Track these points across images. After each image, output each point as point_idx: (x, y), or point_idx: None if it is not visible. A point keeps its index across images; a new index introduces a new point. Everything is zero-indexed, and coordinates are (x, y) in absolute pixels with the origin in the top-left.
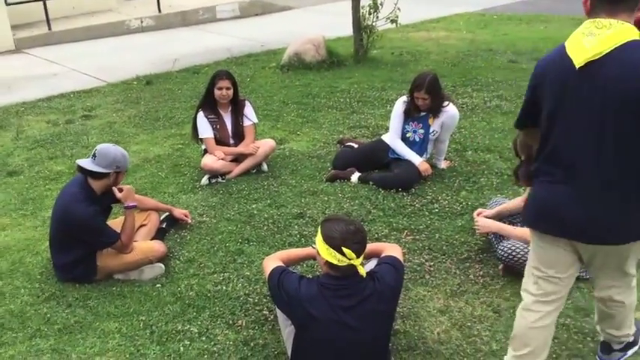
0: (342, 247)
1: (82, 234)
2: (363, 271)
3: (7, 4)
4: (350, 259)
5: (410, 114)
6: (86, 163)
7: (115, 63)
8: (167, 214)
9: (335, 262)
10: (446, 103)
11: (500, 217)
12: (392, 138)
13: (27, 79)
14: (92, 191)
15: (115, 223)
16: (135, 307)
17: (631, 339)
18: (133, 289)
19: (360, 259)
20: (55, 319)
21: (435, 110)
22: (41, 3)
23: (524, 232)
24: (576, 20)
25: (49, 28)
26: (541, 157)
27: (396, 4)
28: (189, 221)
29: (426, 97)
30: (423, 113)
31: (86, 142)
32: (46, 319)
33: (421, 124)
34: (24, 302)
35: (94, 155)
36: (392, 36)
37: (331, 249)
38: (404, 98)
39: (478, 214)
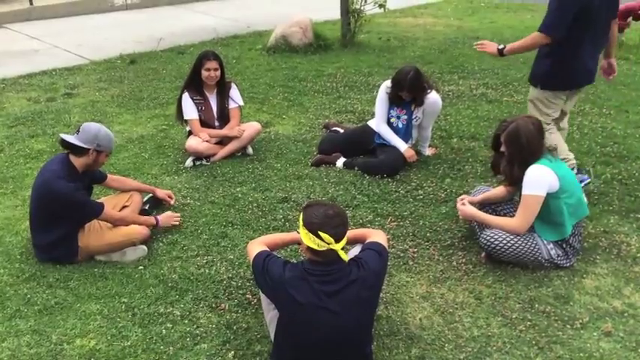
0: (319, 232)
1: (65, 210)
2: (344, 256)
3: None
4: (329, 244)
5: (394, 101)
6: (69, 136)
7: (99, 41)
8: (150, 195)
9: (315, 247)
10: (428, 90)
11: (484, 205)
12: (378, 123)
13: (7, 54)
14: (73, 168)
15: (103, 201)
16: (117, 288)
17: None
18: (114, 270)
19: (341, 244)
20: (35, 299)
21: (419, 101)
22: None
23: (504, 221)
24: None
25: (31, 3)
26: (572, 48)
27: None
28: (172, 202)
29: (409, 95)
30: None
31: (68, 120)
32: (26, 300)
33: (405, 110)
34: (3, 282)
35: (78, 130)
36: (379, 21)
37: (310, 234)
38: (387, 83)
39: (462, 200)
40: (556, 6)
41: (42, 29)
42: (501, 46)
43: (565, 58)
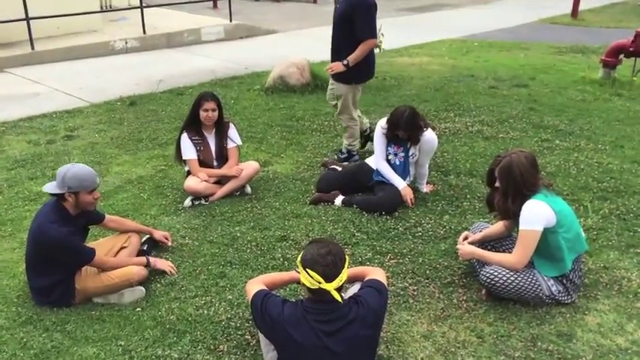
0: (308, 269)
1: (57, 255)
2: (337, 296)
3: None
4: (319, 283)
5: (391, 139)
6: (48, 185)
7: (99, 83)
8: (148, 236)
9: (308, 284)
10: (424, 129)
11: (484, 242)
12: (377, 161)
13: (8, 98)
14: (66, 211)
15: (99, 244)
16: (114, 331)
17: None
18: (112, 312)
19: (333, 284)
20: (31, 343)
21: (415, 140)
22: (24, 22)
23: (502, 257)
24: (555, 48)
25: (32, 48)
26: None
27: (379, 30)
28: (170, 244)
29: (405, 134)
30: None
31: (67, 162)
32: (22, 344)
33: (402, 147)
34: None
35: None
36: (375, 61)
37: (303, 271)
38: (382, 123)
39: (465, 239)
40: (366, 17)
41: (43, 73)
42: (345, 62)
43: (367, 56)
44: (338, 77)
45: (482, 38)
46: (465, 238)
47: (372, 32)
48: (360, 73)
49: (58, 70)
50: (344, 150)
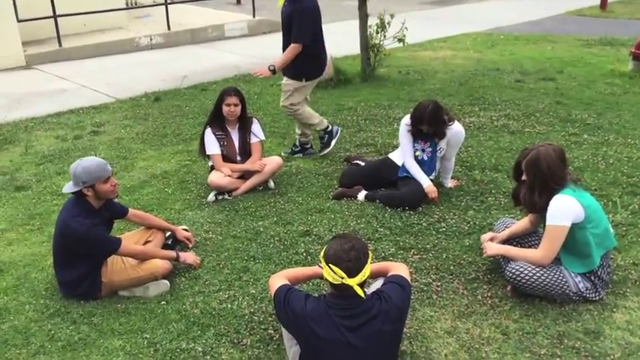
0: (331, 265)
1: (84, 248)
2: (360, 291)
3: (19, 21)
4: (342, 278)
5: (416, 134)
6: (66, 185)
7: (124, 80)
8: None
9: (331, 280)
10: (450, 122)
11: (509, 239)
12: (405, 158)
13: (37, 94)
14: (89, 205)
15: (125, 237)
16: (139, 324)
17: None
18: (137, 306)
19: (356, 280)
20: (59, 335)
21: (440, 135)
22: (52, 20)
23: (528, 253)
24: (583, 40)
25: (60, 45)
26: (316, 48)
27: (403, 24)
28: (190, 245)
29: (429, 128)
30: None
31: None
32: (50, 336)
33: (429, 142)
34: (28, 318)
35: None
36: (399, 55)
37: (326, 266)
38: (406, 120)
39: (490, 239)
40: (302, 21)
41: (70, 69)
42: (271, 67)
43: (314, 55)
44: (288, 74)
45: (508, 31)
46: (491, 239)
47: (302, 37)
48: (308, 69)
49: (84, 67)
50: (297, 143)
